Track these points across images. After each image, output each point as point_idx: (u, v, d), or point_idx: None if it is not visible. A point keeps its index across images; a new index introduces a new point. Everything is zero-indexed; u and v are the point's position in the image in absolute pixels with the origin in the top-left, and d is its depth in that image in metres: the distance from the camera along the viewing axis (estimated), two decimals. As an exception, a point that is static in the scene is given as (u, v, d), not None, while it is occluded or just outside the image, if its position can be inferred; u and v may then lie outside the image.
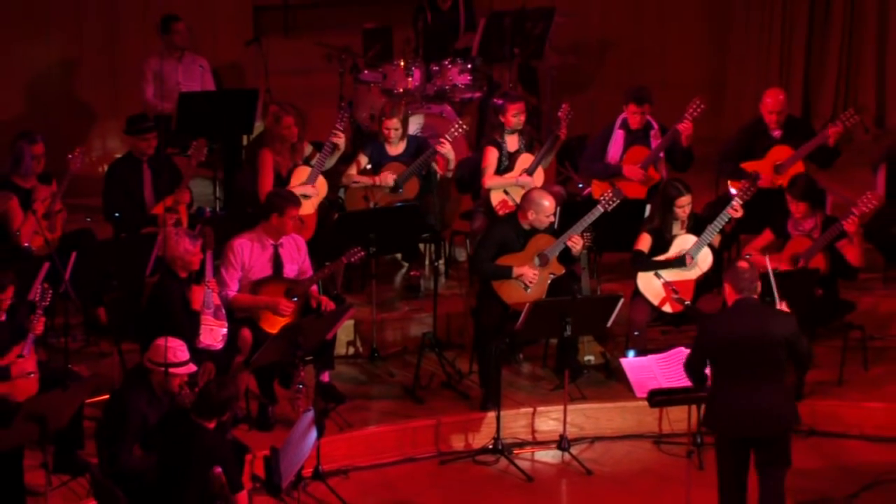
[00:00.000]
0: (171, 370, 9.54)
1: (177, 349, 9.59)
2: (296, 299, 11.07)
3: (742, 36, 16.07)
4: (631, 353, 10.66)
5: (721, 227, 11.47)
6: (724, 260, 11.98)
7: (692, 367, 9.40)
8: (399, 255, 13.00)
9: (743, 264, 9.38)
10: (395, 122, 12.37)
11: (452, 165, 12.53)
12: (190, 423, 9.10)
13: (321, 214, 12.22)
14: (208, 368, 10.40)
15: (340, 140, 12.18)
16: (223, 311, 10.82)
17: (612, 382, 11.66)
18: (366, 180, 12.33)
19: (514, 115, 12.35)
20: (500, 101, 12.44)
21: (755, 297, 9.28)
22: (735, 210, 11.44)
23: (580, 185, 12.95)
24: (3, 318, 10.02)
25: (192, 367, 9.70)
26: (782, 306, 9.55)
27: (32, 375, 9.95)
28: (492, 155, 12.41)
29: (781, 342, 9.22)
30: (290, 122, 12.16)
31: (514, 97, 12.54)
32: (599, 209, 11.46)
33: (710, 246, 11.43)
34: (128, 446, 9.40)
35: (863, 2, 15.96)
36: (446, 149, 12.31)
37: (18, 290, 10.19)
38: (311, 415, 9.56)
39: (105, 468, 9.37)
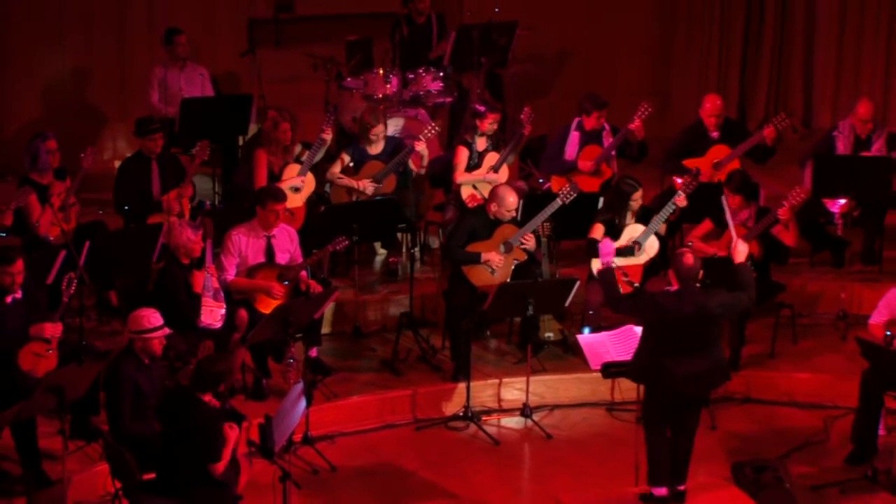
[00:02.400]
0: (148, 335, 9.52)
1: (150, 316, 9.56)
2: (287, 283, 11.07)
3: (684, 47, 16.10)
4: (586, 330, 10.74)
5: (666, 217, 11.50)
6: (669, 247, 12.01)
7: (622, 309, 9.64)
8: (379, 244, 13.00)
9: (687, 258, 9.37)
10: (379, 129, 12.38)
11: (426, 163, 12.53)
12: (188, 395, 9.10)
13: (309, 207, 12.22)
14: (208, 346, 10.40)
15: (328, 135, 12.22)
16: (222, 293, 10.81)
17: (570, 356, 11.68)
18: (348, 181, 12.33)
19: (490, 123, 12.40)
20: (482, 109, 12.45)
21: (696, 285, 9.36)
22: (680, 200, 11.48)
23: (541, 181, 12.96)
24: (20, 294, 9.97)
25: (167, 331, 9.66)
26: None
27: (51, 352, 9.93)
28: (463, 153, 12.43)
29: (718, 315, 9.35)
30: (287, 127, 12.23)
31: (495, 108, 12.55)
32: (558, 202, 11.48)
33: (657, 234, 11.46)
34: (126, 408, 9.36)
35: (792, 16, 16.01)
36: (421, 147, 12.32)
37: (37, 274, 10.17)
38: (300, 386, 9.55)
39: (115, 433, 9.36)
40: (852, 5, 15.86)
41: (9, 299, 9.90)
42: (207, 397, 9.05)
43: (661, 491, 9.51)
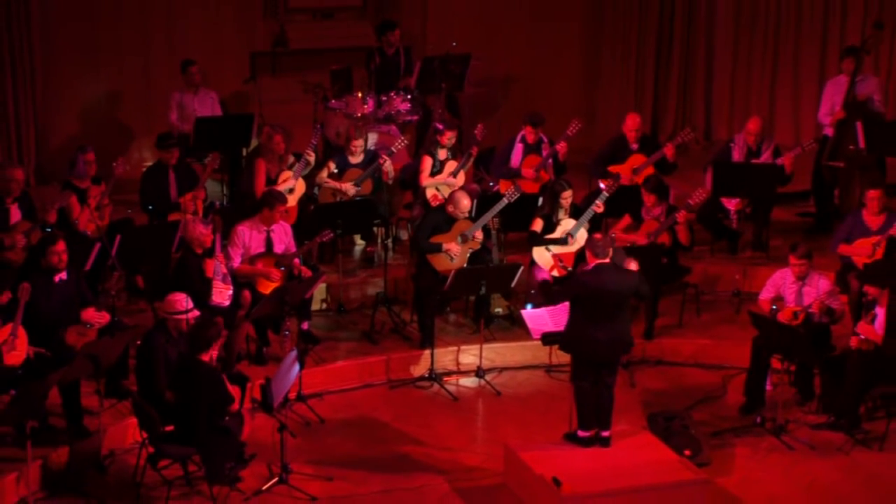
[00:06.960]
0: (181, 316, 9.50)
1: (183, 300, 9.56)
2: (283, 269, 11.04)
3: (608, 73, 16.09)
4: (529, 306, 10.74)
5: (594, 212, 11.52)
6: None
7: (557, 300, 9.73)
8: (358, 236, 12.96)
9: (597, 236, 9.60)
10: (360, 143, 12.36)
11: (393, 175, 12.51)
12: (191, 359, 9.08)
13: (301, 206, 12.18)
14: (219, 322, 10.34)
15: (311, 157, 12.19)
16: (229, 277, 10.76)
17: (515, 328, 11.67)
18: (333, 184, 12.30)
19: (449, 139, 12.39)
20: (441, 127, 12.43)
21: (608, 261, 9.40)
22: (598, 207, 11.50)
23: (490, 184, 12.94)
24: (66, 276, 9.88)
25: (196, 312, 9.62)
26: (631, 265, 9.70)
27: (91, 327, 9.88)
28: (427, 161, 12.41)
29: (631, 290, 9.48)
30: (280, 139, 12.18)
31: (452, 125, 12.52)
32: (505, 201, 11.48)
33: (590, 220, 11.48)
34: (160, 374, 9.34)
35: (695, 49, 16.07)
36: (388, 164, 12.31)
37: (76, 263, 10.09)
38: (294, 353, 9.54)
39: (149, 393, 9.31)
40: (743, 39, 15.92)
41: (56, 279, 9.85)
42: (206, 357, 9.02)
43: (587, 433, 9.55)
